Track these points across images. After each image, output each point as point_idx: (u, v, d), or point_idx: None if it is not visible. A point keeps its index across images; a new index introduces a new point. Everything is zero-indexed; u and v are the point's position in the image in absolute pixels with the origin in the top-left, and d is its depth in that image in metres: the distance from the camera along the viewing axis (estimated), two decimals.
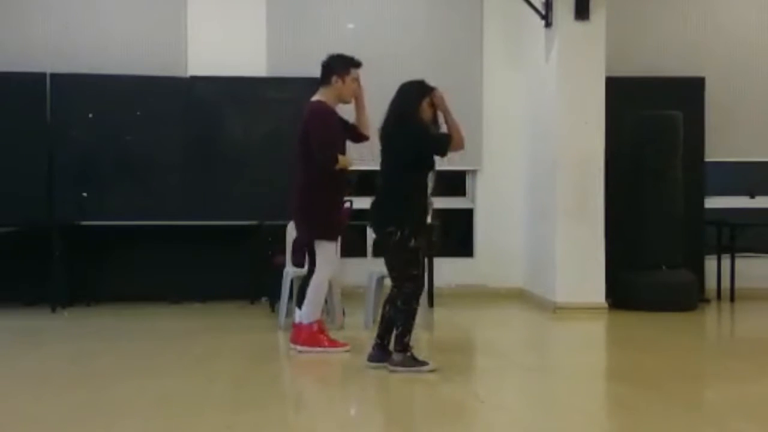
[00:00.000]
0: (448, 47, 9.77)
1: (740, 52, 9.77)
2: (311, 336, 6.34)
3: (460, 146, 5.85)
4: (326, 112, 6.33)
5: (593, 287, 8.35)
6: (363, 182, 8.73)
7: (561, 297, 8.39)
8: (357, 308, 7.67)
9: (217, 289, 9.07)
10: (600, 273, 8.37)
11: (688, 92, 9.23)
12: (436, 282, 8.48)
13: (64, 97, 8.97)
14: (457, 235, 10.20)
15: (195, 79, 9.25)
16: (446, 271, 9.32)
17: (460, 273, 9.68)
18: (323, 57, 6.43)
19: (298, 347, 6.36)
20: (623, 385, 5.55)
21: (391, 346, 5.77)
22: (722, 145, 9.63)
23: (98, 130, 9.03)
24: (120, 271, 9.08)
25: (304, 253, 6.94)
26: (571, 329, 7.89)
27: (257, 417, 4.66)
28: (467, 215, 10.08)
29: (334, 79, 6.35)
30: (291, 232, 7.34)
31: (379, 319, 6.09)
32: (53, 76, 8.99)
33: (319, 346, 6.32)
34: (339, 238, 6.58)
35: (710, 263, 9.33)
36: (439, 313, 7.67)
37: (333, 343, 6.38)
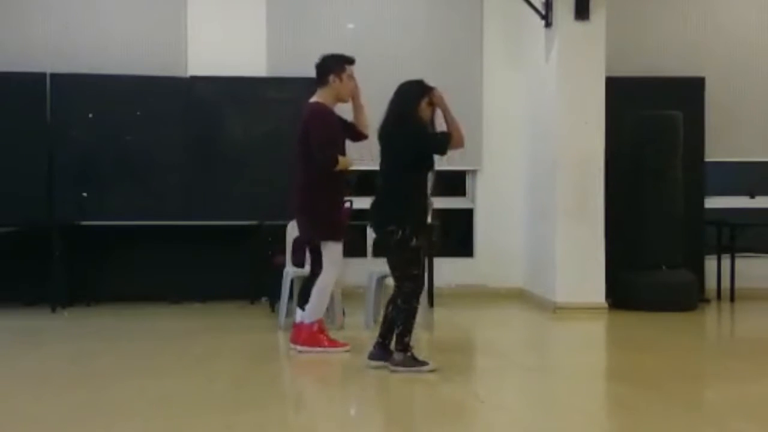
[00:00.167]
0: (448, 47, 9.77)
1: (740, 52, 9.77)
2: (311, 336, 6.34)
3: (460, 144, 5.85)
4: (326, 113, 6.33)
5: (593, 287, 8.35)
6: (363, 182, 8.73)
7: (561, 297, 8.39)
8: (357, 308, 7.67)
9: (217, 289, 9.07)
10: (600, 273, 8.37)
11: (688, 92, 9.23)
12: (436, 282, 8.49)
13: (64, 97, 8.97)
14: (457, 235, 10.20)
15: (195, 79, 9.25)
16: (446, 271, 9.32)
17: (460, 273, 9.68)
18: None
19: (298, 347, 6.36)
20: (623, 385, 5.55)
21: (392, 346, 5.77)
22: (722, 145, 9.64)
23: (98, 130, 9.04)
24: (120, 271, 9.08)
25: (305, 252, 6.95)
26: (571, 329, 7.89)
27: (257, 417, 4.66)
28: (467, 215, 10.08)
29: (331, 78, 6.35)
30: (291, 232, 7.35)
31: (381, 318, 6.08)
32: (53, 76, 8.99)
33: (319, 346, 6.32)
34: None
35: (710, 263, 9.33)
36: (439, 313, 7.67)
37: (333, 343, 6.38)
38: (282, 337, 7.00)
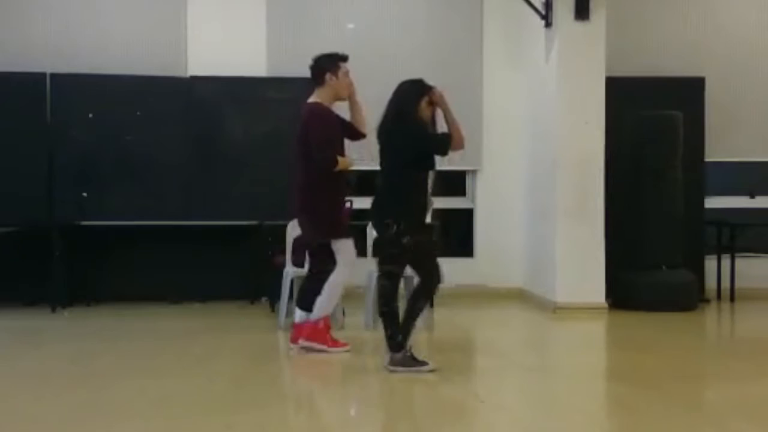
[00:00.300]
0: (448, 47, 9.77)
1: (740, 52, 9.77)
2: (316, 332, 6.31)
3: (460, 146, 5.83)
4: (325, 112, 6.34)
5: (593, 287, 8.35)
6: (363, 182, 8.73)
7: (561, 297, 8.39)
8: (357, 308, 7.67)
9: (217, 289, 9.08)
10: (600, 273, 8.37)
11: (688, 92, 9.23)
12: None
13: (64, 97, 8.97)
14: (457, 235, 10.20)
15: (195, 79, 9.25)
16: (446, 271, 9.27)
17: (460, 273, 9.65)
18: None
19: (301, 340, 6.34)
20: (623, 385, 5.55)
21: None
22: (722, 145, 9.64)
23: (98, 130, 9.03)
24: (120, 271, 9.08)
25: (305, 252, 6.95)
26: (571, 329, 7.89)
27: (257, 417, 4.66)
28: (467, 215, 10.07)
29: (327, 77, 6.36)
30: (291, 232, 7.35)
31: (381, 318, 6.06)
32: (53, 76, 8.99)
33: (323, 343, 6.30)
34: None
35: (710, 263, 9.33)
36: (439, 313, 7.67)
37: (334, 343, 6.38)
38: (282, 337, 7.00)
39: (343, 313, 7.44)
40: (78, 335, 7.48)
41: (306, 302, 6.52)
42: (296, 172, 6.41)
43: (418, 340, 6.32)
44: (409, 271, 6.10)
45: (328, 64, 6.37)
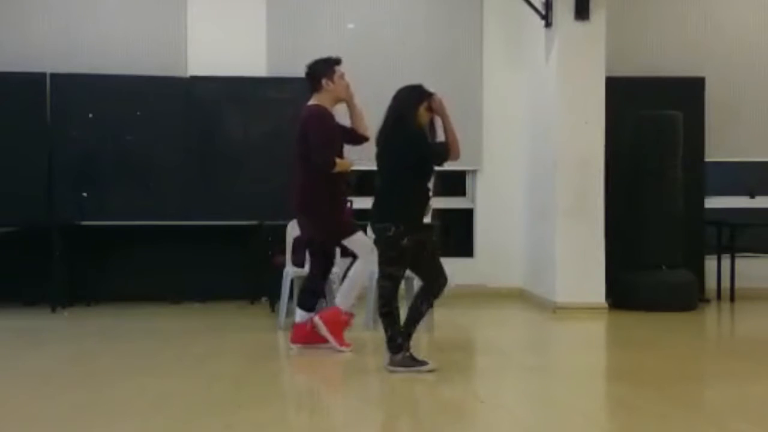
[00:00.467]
0: (448, 47, 9.77)
1: (740, 52, 9.77)
2: (335, 321, 6.29)
3: (457, 156, 5.81)
4: (324, 115, 6.34)
5: (593, 287, 8.35)
6: (363, 182, 8.72)
7: (561, 297, 8.39)
8: (357, 308, 7.65)
9: (217, 289, 9.08)
10: (600, 273, 8.37)
11: (688, 92, 9.23)
12: None
13: (64, 97, 8.97)
14: (457, 235, 10.20)
15: (195, 79, 9.25)
16: (446, 271, 9.29)
17: (460, 273, 9.57)
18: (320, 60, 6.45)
19: (316, 318, 6.30)
20: (623, 385, 5.55)
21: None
22: (722, 145, 9.64)
23: (98, 130, 9.04)
24: (120, 271, 9.08)
25: (305, 252, 6.95)
26: (571, 329, 7.89)
27: (257, 417, 4.66)
28: (467, 215, 10.08)
29: (324, 82, 6.37)
30: (291, 232, 7.35)
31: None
32: (53, 76, 8.99)
33: (333, 335, 6.28)
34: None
35: (710, 263, 9.33)
36: (439, 313, 7.66)
37: (343, 343, 6.36)
38: (282, 337, 7.00)
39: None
40: (78, 335, 7.48)
41: (307, 302, 6.52)
42: (295, 172, 6.42)
43: (419, 341, 6.31)
44: (408, 272, 6.09)
45: (323, 69, 6.39)
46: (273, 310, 8.23)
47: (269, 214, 8.51)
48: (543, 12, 8.60)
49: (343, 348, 6.31)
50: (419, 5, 9.83)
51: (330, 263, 6.65)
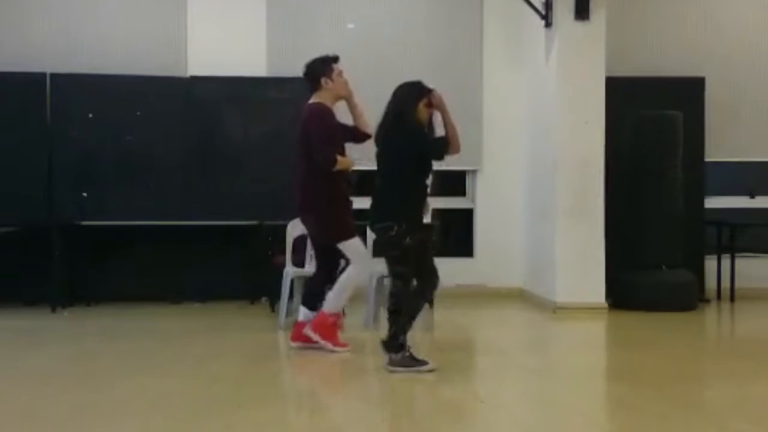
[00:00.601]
0: (448, 47, 9.77)
1: (740, 52, 9.77)
2: (324, 327, 6.30)
3: (457, 150, 5.84)
4: (325, 112, 6.34)
5: (593, 287, 8.35)
6: (363, 182, 8.71)
7: (561, 297, 8.39)
8: (357, 308, 7.67)
9: (217, 289, 9.08)
10: (600, 273, 8.37)
11: (688, 92, 9.23)
12: None
13: (64, 97, 8.97)
14: (457, 235, 10.20)
15: (195, 79, 9.25)
16: (446, 271, 9.26)
17: (460, 273, 9.66)
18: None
19: (306, 328, 6.32)
20: (623, 385, 5.55)
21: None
22: (722, 145, 9.64)
23: (98, 130, 9.04)
24: (120, 271, 9.08)
25: (305, 252, 6.94)
26: (571, 329, 7.89)
27: (257, 417, 4.66)
28: (467, 215, 10.08)
29: (323, 81, 6.37)
30: (291, 232, 7.35)
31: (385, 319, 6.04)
32: (53, 76, 8.99)
33: (326, 339, 6.28)
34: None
35: (710, 263, 9.33)
36: (439, 313, 7.66)
37: (338, 343, 6.37)
38: (282, 337, 7.00)
39: (344, 313, 7.43)
40: (78, 335, 7.48)
41: (309, 302, 6.51)
42: (297, 171, 6.41)
43: (419, 341, 6.32)
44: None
45: (321, 68, 6.38)
46: (273, 310, 8.23)
47: (269, 214, 8.51)
48: (543, 12, 8.61)
49: (337, 349, 6.30)
50: (419, 5, 9.84)
51: (335, 264, 6.63)
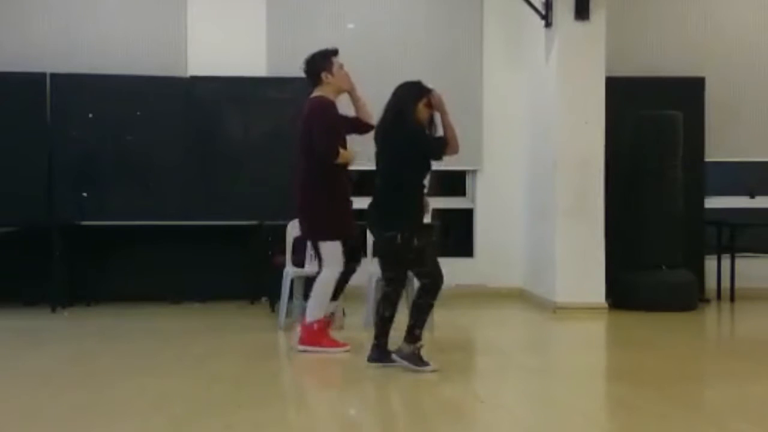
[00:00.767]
0: (448, 47, 9.77)
1: (740, 52, 9.77)
2: (311, 335, 6.32)
3: (456, 150, 5.85)
4: (327, 105, 6.33)
5: (593, 287, 8.35)
6: (363, 182, 8.71)
7: (561, 297, 8.39)
8: (357, 308, 7.67)
9: (217, 289, 9.07)
10: (600, 273, 8.37)
11: (688, 92, 9.23)
12: None
13: (64, 97, 8.97)
14: (457, 235, 10.20)
15: (195, 79, 9.25)
16: (446, 271, 9.25)
17: (460, 273, 9.64)
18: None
19: (299, 346, 6.35)
20: (623, 385, 5.55)
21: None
22: (722, 145, 9.64)
23: (98, 130, 9.03)
24: (120, 271, 9.07)
25: (305, 252, 6.94)
26: (571, 329, 7.89)
27: (257, 417, 4.66)
28: (467, 215, 10.07)
29: (323, 75, 6.36)
30: (291, 232, 7.35)
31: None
32: (53, 76, 8.99)
33: (319, 346, 6.30)
34: (346, 237, 6.48)
35: (710, 263, 9.33)
36: (439, 313, 7.65)
37: (333, 343, 6.37)
38: (282, 337, 7.01)
39: (344, 314, 7.44)
40: (78, 335, 7.48)
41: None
42: (297, 171, 6.41)
43: None
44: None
45: (321, 63, 6.37)
46: (273, 310, 8.23)
47: (269, 214, 8.51)
48: (543, 12, 8.60)
49: (332, 349, 6.30)
50: (419, 5, 9.84)
51: (355, 262, 6.62)
